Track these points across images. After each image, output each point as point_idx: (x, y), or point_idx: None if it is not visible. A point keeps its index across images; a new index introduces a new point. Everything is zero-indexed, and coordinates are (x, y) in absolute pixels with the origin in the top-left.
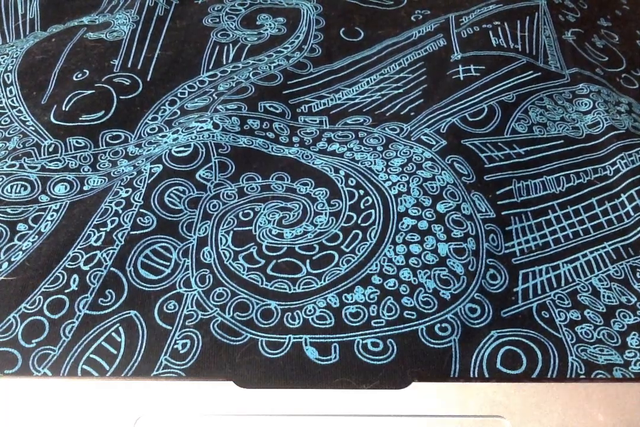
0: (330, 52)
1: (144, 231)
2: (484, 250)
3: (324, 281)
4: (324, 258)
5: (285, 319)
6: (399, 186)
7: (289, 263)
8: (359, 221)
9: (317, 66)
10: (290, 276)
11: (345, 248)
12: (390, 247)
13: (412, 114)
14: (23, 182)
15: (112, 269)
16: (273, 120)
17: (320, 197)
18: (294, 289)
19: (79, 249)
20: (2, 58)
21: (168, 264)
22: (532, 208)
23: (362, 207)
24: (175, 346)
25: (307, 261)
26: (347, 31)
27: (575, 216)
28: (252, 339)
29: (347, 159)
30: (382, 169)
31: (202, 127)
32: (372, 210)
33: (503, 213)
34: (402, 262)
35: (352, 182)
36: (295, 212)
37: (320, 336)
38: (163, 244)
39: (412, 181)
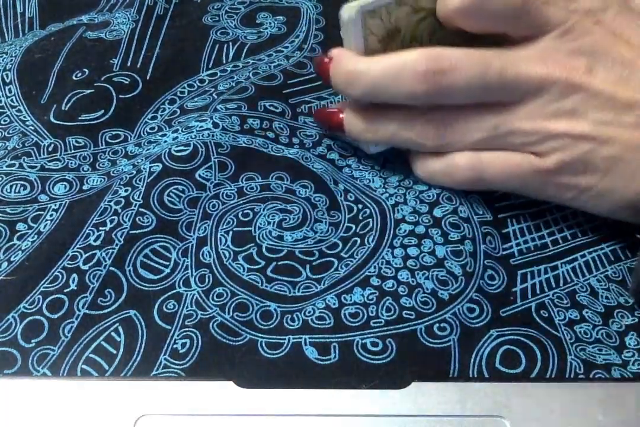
0: None
1: (144, 230)
2: (481, 252)
3: (324, 284)
4: (324, 264)
5: (284, 321)
6: (395, 197)
7: (289, 266)
8: (358, 230)
9: None
10: (290, 279)
11: (344, 254)
12: (388, 251)
13: None
14: (22, 182)
15: (111, 268)
16: (273, 120)
17: (320, 204)
18: (294, 293)
19: (78, 248)
20: (1, 57)
21: (167, 263)
22: (530, 210)
23: (361, 217)
24: (175, 346)
25: (307, 266)
26: None
27: (573, 218)
28: (252, 340)
29: (346, 175)
30: (380, 185)
31: (201, 127)
32: (370, 219)
33: (500, 215)
34: (400, 264)
35: (351, 197)
36: (295, 215)
37: (320, 335)
38: (162, 243)
39: (409, 194)
